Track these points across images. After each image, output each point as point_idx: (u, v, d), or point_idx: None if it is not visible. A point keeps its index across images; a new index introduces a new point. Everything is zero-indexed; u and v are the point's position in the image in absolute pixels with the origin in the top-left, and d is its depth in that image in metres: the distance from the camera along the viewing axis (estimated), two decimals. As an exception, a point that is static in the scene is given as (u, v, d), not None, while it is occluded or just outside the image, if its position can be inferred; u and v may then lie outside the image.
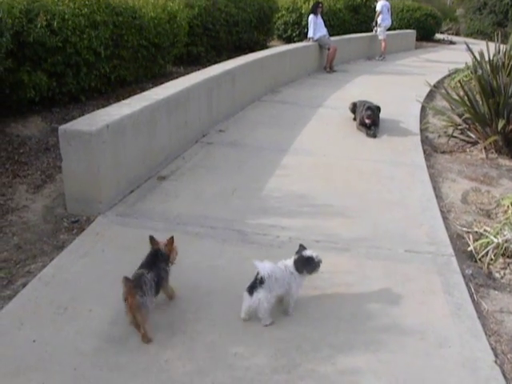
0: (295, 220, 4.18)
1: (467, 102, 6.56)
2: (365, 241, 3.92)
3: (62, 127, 4.06)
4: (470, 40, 22.31)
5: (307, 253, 2.96)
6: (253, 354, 2.67)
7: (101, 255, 3.56)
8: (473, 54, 7.08)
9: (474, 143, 6.86)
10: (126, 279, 2.65)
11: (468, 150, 6.79)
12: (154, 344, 2.72)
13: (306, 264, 2.95)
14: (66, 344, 2.69)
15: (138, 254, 3.52)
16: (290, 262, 2.99)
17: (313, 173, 5.34)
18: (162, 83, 8.01)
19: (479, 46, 8.80)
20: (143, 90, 7.81)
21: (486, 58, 7.93)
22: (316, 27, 11.70)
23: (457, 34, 26.02)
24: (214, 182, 4.95)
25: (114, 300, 3.04)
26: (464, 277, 3.58)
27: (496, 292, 3.57)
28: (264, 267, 2.82)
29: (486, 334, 3.02)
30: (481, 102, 6.51)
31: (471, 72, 9.82)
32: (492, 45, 9.37)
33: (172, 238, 3.04)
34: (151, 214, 4.20)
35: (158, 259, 2.94)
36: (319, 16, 11.87)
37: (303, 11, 14.09)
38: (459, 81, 7.43)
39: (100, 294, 3.14)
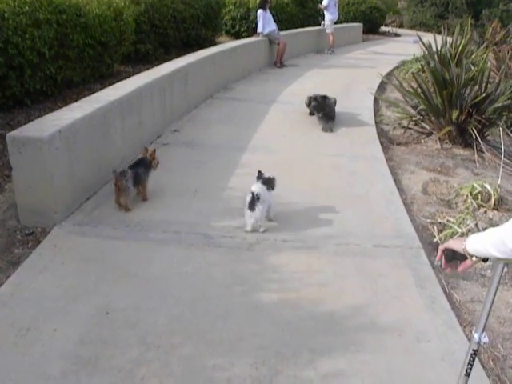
0: (261, 220, 4.09)
1: (421, 94, 6.63)
2: (333, 238, 3.87)
3: (10, 134, 3.82)
4: (413, 32, 22.80)
5: (268, 175, 4.12)
6: (232, 365, 2.56)
7: (61, 269, 3.36)
8: (425, 46, 7.17)
9: (429, 134, 6.95)
10: (115, 171, 4.15)
11: (423, 140, 6.87)
12: (128, 361, 2.57)
13: (273, 183, 4.11)
14: (32, 369, 2.51)
15: (99, 265, 3.39)
16: (260, 184, 4.04)
17: (274, 170, 5.19)
18: (110, 83, 7.75)
19: (424, 37, 8.94)
20: (91, 90, 7.58)
21: (434, 50, 8.08)
22: (265, 22, 11.62)
23: (400, 26, 26.51)
24: (174, 183, 4.80)
25: (80, 317, 2.88)
26: (433, 268, 3.58)
27: (465, 282, 3.58)
28: (257, 188, 3.92)
29: (461, 325, 3.02)
30: (434, 94, 6.58)
31: (421, 64, 10.01)
32: (437, 36, 9.59)
33: (155, 149, 4.57)
34: (110, 222, 4.02)
35: (141, 164, 4.40)
36: (268, 11, 11.80)
37: (250, 6, 13.99)
38: (412, 73, 7.48)
39: (64, 311, 2.95)
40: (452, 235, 4.12)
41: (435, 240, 4.12)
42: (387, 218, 4.27)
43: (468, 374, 1.95)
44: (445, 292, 3.35)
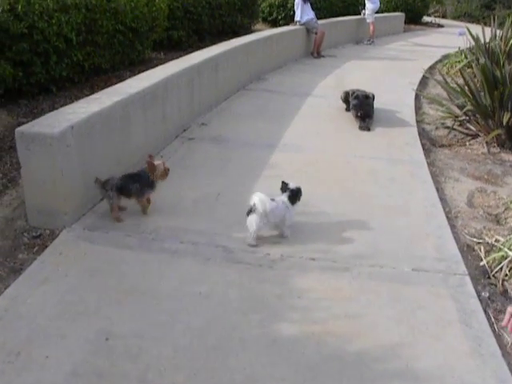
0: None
1: (468, 93, 6.10)
2: (366, 258, 3.46)
3: (18, 130, 3.53)
4: (457, 23, 21.89)
5: (292, 186, 3.71)
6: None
7: (63, 282, 3.05)
8: (474, 39, 6.61)
9: (474, 136, 6.42)
10: (97, 179, 3.74)
11: (468, 143, 6.35)
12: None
13: (297, 196, 3.70)
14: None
15: (106, 280, 3.07)
16: (284, 197, 3.67)
17: (304, 173, 4.86)
18: (140, 71, 7.45)
19: (470, 29, 8.35)
20: (120, 78, 7.29)
21: (482, 43, 7.51)
22: (303, 10, 11.13)
23: (443, 16, 25.50)
24: (196, 185, 4.45)
25: (76, 342, 2.56)
26: (481, 301, 3.15)
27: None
28: (257, 197, 3.49)
29: (512, 375, 2.60)
30: (482, 93, 6.05)
31: (467, 58, 9.40)
32: (485, 28, 8.96)
33: (150, 161, 3.86)
34: (124, 227, 3.70)
35: (136, 178, 3.85)
36: (307, -1, 11.30)
37: (289, -7, 13.51)
38: (459, 69, 6.94)
39: (59, 334, 2.64)
40: (502, 259, 3.66)
41: (482, 263, 3.67)
42: (428, 234, 3.84)
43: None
44: (493, 331, 2.92)
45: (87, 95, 6.10)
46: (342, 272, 3.28)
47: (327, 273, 3.26)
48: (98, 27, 6.92)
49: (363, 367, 2.53)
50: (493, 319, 3.04)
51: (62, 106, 4.81)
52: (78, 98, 6.28)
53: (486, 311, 3.08)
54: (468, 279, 3.32)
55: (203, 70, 6.46)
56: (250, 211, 3.48)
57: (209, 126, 6.11)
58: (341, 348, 2.63)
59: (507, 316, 1.58)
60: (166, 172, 3.88)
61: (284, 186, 3.72)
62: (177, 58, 6.89)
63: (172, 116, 5.51)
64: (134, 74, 6.53)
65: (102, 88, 6.47)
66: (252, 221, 3.46)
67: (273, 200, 3.57)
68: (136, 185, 3.77)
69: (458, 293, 3.17)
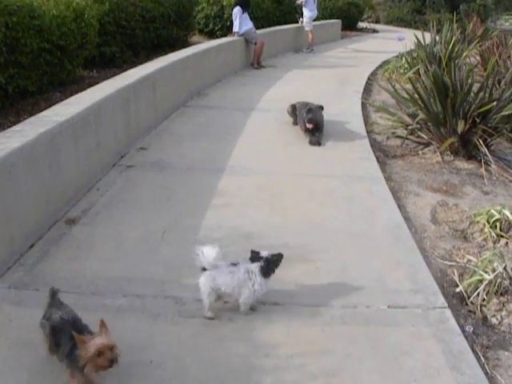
0: (245, 272, 3.29)
1: (419, 101, 5.89)
2: (336, 296, 3.10)
3: None
4: (391, 28, 22.21)
5: (265, 254, 2.91)
6: None
7: (-18, 362, 2.52)
8: (421, 45, 6.43)
9: (427, 144, 6.22)
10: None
11: (421, 152, 6.15)
12: None
13: (272, 266, 2.90)
14: None
15: (37, 355, 2.55)
16: (253, 267, 2.88)
17: (257, 199, 4.47)
18: (72, 91, 6.90)
19: (404, 34, 8.24)
20: (49, 100, 6.71)
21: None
22: (242, 20, 10.77)
23: (376, 21, 25.82)
24: (138, 221, 3.97)
25: None
26: (466, 338, 2.83)
27: (505, 353, 2.84)
28: (208, 257, 2.82)
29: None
30: (433, 100, 5.85)
31: (407, 63, 9.31)
32: (418, 32, 8.89)
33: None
34: (57, 281, 3.16)
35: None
36: (245, 9, 10.95)
37: (225, 3, 13.14)
38: (409, 78, 6.75)
39: None
40: (478, 283, 3.38)
41: (458, 290, 3.38)
42: (399, 262, 3.51)
43: None
44: (486, 374, 2.60)
45: (13, 122, 5.53)
46: (311, 318, 2.89)
47: (295, 320, 2.86)
48: (21, 46, 6.32)
49: None
50: (483, 359, 2.73)
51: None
52: (2, 126, 5.69)
53: (473, 349, 2.77)
54: (449, 313, 3.01)
55: (139, 89, 5.98)
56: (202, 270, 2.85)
57: (149, 150, 5.63)
58: (322, 419, 2.24)
59: None
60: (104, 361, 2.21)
61: (254, 256, 2.95)
62: (111, 75, 6.41)
63: (107, 143, 5.01)
64: (65, 96, 6.00)
65: (30, 113, 5.90)
66: (202, 290, 2.83)
67: (233, 265, 2.89)
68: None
69: (440, 331, 2.85)
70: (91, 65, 9.24)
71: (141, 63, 7.44)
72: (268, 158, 5.55)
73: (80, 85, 7.72)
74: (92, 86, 5.65)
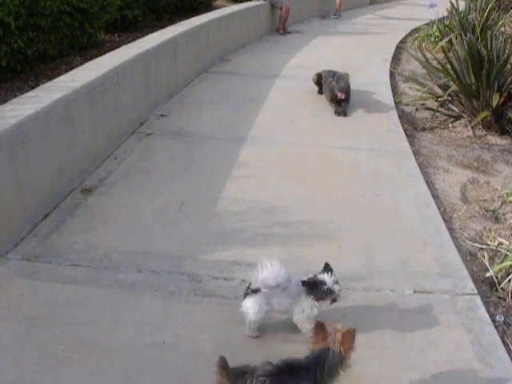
0: (264, 250, 3.15)
1: (452, 72, 5.60)
2: (359, 278, 2.94)
3: None
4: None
5: (322, 277, 2.41)
6: None
7: (-9, 337, 2.44)
8: (457, 12, 6.10)
9: (458, 118, 5.95)
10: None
11: (451, 125, 5.90)
12: None
13: (316, 288, 2.39)
14: None
15: (46, 332, 2.47)
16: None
17: (280, 171, 4.30)
18: (93, 55, 6.76)
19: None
20: (70, 64, 6.60)
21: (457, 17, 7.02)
22: (267, -16, 10.43)
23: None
24: (156, 192, 3.85)
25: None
26: (496, 328, 2.67)
27: (538, 344, 2.67)
28: (262, 274, 2.31)
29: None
30: (466, 72, 5.55)
31: (439, 31, 8.93)
32: None
33: (353, 331, 1.97)
34: (70, 254, 3.08)
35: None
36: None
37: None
38: (442, 47, 6.44)
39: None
40: (510, 268, 3.20)
41: (488, 275, 3.20)
42: (426, 244, 3.34)
43: None
44: (516, 366, 2.45)
45: (32, 86, 5.41)
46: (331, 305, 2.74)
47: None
48: (40, 9, 6.15)
49: None
50: (515, 352, 2.56)
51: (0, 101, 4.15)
52: (20, 90, 5.58)
53: (504, 341, 2.60)
54: (479, 300, 2.84)
55: (160, 54, 5.79)
56: (247, 292, 2.41)
57: (169, 117, 5.47)
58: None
59: None
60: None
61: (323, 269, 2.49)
62: (133, 39, 6.22)
63: (126, 109, 4.86)
64: (86, 60, 5.83)
65: (49, 77, 5.77)
66: (249, 307, 2.40)
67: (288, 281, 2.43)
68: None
69: (469, 319, 2.68)
70: (113, 29, 9.06)
71: (163, 27, 7.21)
72: (291, 128, 5.35)
73: (101, 49, 7.57)
74: (113, 50, 5.48)
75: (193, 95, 6.30)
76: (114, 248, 3.14)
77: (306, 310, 2.43)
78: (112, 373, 2.26)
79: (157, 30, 7.07)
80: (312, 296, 2.41)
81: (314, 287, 2.41)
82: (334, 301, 2.44)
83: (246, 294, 2.41)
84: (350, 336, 1.94)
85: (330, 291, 2.39)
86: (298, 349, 2.31)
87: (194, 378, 2.24)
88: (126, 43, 5.93)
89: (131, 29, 9.28)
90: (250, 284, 2.41)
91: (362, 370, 2.33)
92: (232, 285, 2.83)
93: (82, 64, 4.98)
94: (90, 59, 5.14)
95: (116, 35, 9.10)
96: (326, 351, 1.92)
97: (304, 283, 2.42)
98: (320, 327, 1.97)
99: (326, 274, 2.43)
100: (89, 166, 4.13)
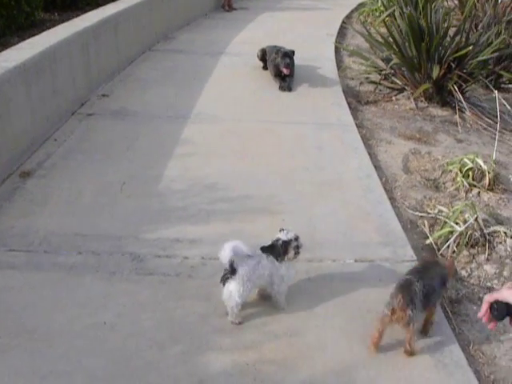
0: (207, 226, 3.14)
1: (394, 45, 5.66)
2: (302, 250, 2.96)
3: None
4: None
5: (280, 236, 2.46)
6: None
7: None
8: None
9: (400, 90, 6.04)
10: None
11: (394, 98, 5.98)
12: None
13: (276, 247, 2.45)
14: None
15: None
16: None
17: (223, 147, 4.28)
18: (31, 35, 6.51)
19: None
20: (5, 46, 6.30)
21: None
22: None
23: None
24: (96, 173, 3.77)
25: None
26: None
27: (473, 307, 2.77)
28: (231, 252, 2.30)
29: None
30: (407, 45, 5.62)
31: (383, 6, 9.00)
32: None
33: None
34: (8, 239, 2.99)
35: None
36: None
37: None
38: (383, 20, 6.49)
39: None
40: (448, 235, 3.29)
41: (428, 242, 3.28)
42: (368, 213, 3.40)
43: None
44: (453, 330, 2.53)
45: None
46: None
47: (259, 276, 2.73)
48: (-29, -13, 5.89)
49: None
50: (450, 314, 2.65)
51: None
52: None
53: (441, 305, 2.68)
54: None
55: (100, 32, 5.63)
56: (227, 276, 2.35)
57: (111, 96, 5.35)
58: (283, 381, 2.14)
59: (485, 307, 1.36)
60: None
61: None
62: (73, 18, 6.01)
63: (65, 90, 4.72)
64: (23, 40, 5.62)
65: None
66: (231, 292, 2.34)
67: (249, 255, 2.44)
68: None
69: (409, 285, 2.74)
70: (52, 7, 8.76)
71: (105, 5, 7.00)
72: (236, 104, 5.32)
73: (40, 28, 7.29)
74: (52, 29, 5.30)
75: (136, 74, 6.17)
76: (54, 231, 3.06)
77: (284, 275, 2.47)
78: (53, 356, 2.22)
79: (98, 8, 6.86)
80: (278, 257, 2.44)
81: (274, 248, 2.45)
82: (297, 249, 2.48)
83: (225, 279, 2.35)
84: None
85: (287, 242, 2.44)
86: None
87: (135, 357, 2.22)
88: (66, 22, 5.74)
89: (72, 7, 8.98)
90: (226, 271, 2.35)
91: (305, 340, 2.36)
92: (174, 262, 2.82)
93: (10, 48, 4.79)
94: (28, 39, 4.96)
95: (56, 14, 8.79)
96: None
97: (263, 249, 2.46)
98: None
99: (279, 234, 2.49)
100: (27, 149, 4.00)
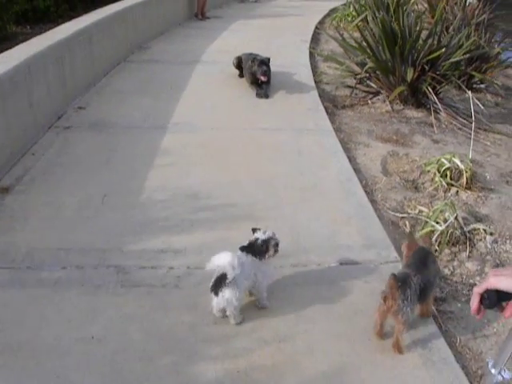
0: (190, 236, 3.14)
1: (367, 49, 5.74)
2: (286, 255, 2.95)
3: None
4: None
5: (258, 236, 2.52)
6: None
7: None
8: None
9: (376, 93, 6.12)
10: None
11: (370, 101, 6.06)
12: None
13: (254, 246, 2.52)
14: None
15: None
16: (238, 253, 2.49)
17: (203, 157, 4.28)
18: (4, 49, 6.47)
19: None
20: (-23, 60, 6.24)
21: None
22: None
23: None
24: (77, 186, 3.73)
25: None
26: (419, 291, 2.78)
27: (458, 304, 2.81)
28: (222, 261, 2.34)
29: (470, 382, 2.25)
30: (381, 48, 5.70)
31: (355, 11, 9.12)
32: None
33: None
34: (-12, 256, 2.95)
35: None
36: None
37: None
38: (357, 25, 6.57)
39: None
40: (430, 234, 3.34)
41: (410, 242, 3.32)
42: (350, 217, 3.43)
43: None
44: (440, 328, 2.57)
45: None
46: (262, 280, 2.76)
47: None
48: None
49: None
50: (436, 313, 2.68)
51: None
52: None
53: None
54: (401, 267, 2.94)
55: (74, 44, 5.59)
56: (219, 283, 2.36)
57: (87, 109, 5.31)
58: (275, 387, 2.14)
59: (476, 299, 1.32)
60: None
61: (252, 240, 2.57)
62: (46, 31, 5.97)
63: (41, 103, 4.67)
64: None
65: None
66: (227, 299, 2.35)
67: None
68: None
69: (394, 286, 2.78)
70: (24, 20, 8.71)
71: (78, 17, 6.97)
72: (213, 112, 5.33)
73: (13, 42, 7.24)
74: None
75: (112, 85, 6.14)
76: (36, 246, 3.03)
77: (266, 272, 2.54)
78: (40, 374, 2.19)
79: (71, 20, 6.83)
80: (259, 256, 2.50)
81: (252, 247, 2.51)
82: (276, 246, 2.53)
83: (216, 288, 2.36)
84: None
85: (267, 240, 2.50)
86: (228, 330, 2.33)
87: (125, 371, 2.20)
88: (39, 35, 5.69)
89: (44, 20, 8.95)
90: (217, 278, 2.37)
91: (294, 344, 2.37)
92: (159, 273, 2.80)
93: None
94: (1, 53, 4.90)
95: (28, 27, 8.75)
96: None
97: (242, 249, 2.51)
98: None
99: (255, 233, 2.55)
100: (4, 165, 3.95)
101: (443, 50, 5.29)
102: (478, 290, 1.32)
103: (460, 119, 5.60)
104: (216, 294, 2.36)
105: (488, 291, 1.30)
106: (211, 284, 2.39)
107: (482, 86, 6.93)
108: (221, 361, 2.24)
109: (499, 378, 1.39)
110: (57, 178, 3.86)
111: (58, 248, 3.01)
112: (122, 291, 2.67)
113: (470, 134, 5.12)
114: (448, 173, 4.11)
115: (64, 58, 5.29)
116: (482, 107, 5.70)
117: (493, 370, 1.41)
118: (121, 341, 2.36)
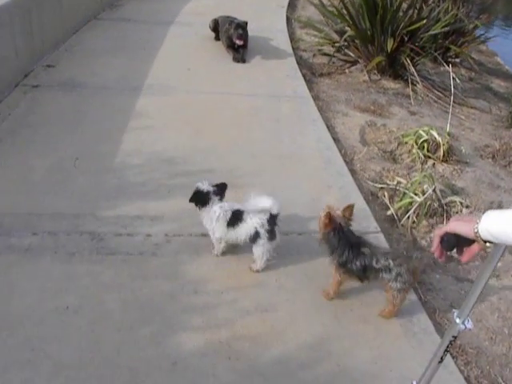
0: (167, 202, 3.05)
1: (348, 18, 5.62)
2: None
3: None
4: None
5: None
6: None
7: None
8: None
9: (354, 63, 6.04)
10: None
11: (348, 70, 5.98)
12: None
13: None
14: None
15: None
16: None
17: (179, 120, 4.15)
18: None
19: None
20: None
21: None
22: None
23: None
24: (47, 148, 3.57)
25: None
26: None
27: (436, 276, 2.82)
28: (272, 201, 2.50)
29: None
30: (361, 17, 5.59)
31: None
32: None
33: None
34: (-46, 220, 2.80)
35: None
36: None
37: None
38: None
39: None
40: (408, 205, 3.33)
41: (389, 213, 3.31)
42: (330, 186, 3.38)
43: (441, 361, 1.63)
44: (420, 299, 2.57)
45: None
46: (241, 249, 2.70)
47: (226, 252, 2.67)
48: None
49: (290, 380, 2.03)
50: (416, 284, 2.68)
51: None
52: None
53: (407, 275, 2.71)
54: (382, 237, 2.93)
55: (42, -1, 5.30)
56: (273, 225, 2.50)
57: (57, 67, 5.08)
58: (258, 358, 2.10)
59: (436, 241, 1.40)
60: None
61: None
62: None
63: (7, 60, 4.43)
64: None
65: None
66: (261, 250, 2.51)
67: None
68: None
69: (374, 257, 2.76)
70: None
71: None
72: (189, 75, 5.17)
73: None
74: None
75: (82, 44, 5.88)
76: (5, 212, 2.89)
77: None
78: (14, 345, 2.10)
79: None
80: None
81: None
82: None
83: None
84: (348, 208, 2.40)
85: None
86: (209, 299, 2.28)
87: (103, 341, 2.13)
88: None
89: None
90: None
91: (276, 315, 2.33)
92: (136, 240, 2.72)
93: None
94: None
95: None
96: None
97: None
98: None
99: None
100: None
101: (424, 21, 5.21)
102: (438, 233, 1.39)
103: (436, 92, 5.59)
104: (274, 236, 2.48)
105: (448, 234, 1.37)
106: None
107: (457, 60, 6.91)
108: (202, 331, 2.19)
109: (462, 327, 1.52)
110: (25, 139, 3.69)
111: (28, 213, 2.88)
112: (97, 259, 2.57)
113: (446, 107, 5.13)
114: (425, 145, 4.10)
115: (31, 12, 5.01)
116: (458, 81, 5.69)
117: (457, 320, 1.53)
118: (97, 311, 2.27)
